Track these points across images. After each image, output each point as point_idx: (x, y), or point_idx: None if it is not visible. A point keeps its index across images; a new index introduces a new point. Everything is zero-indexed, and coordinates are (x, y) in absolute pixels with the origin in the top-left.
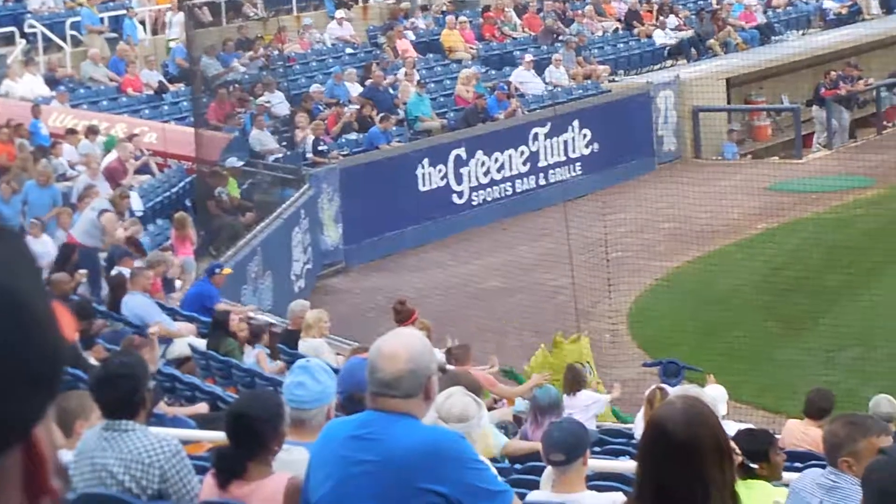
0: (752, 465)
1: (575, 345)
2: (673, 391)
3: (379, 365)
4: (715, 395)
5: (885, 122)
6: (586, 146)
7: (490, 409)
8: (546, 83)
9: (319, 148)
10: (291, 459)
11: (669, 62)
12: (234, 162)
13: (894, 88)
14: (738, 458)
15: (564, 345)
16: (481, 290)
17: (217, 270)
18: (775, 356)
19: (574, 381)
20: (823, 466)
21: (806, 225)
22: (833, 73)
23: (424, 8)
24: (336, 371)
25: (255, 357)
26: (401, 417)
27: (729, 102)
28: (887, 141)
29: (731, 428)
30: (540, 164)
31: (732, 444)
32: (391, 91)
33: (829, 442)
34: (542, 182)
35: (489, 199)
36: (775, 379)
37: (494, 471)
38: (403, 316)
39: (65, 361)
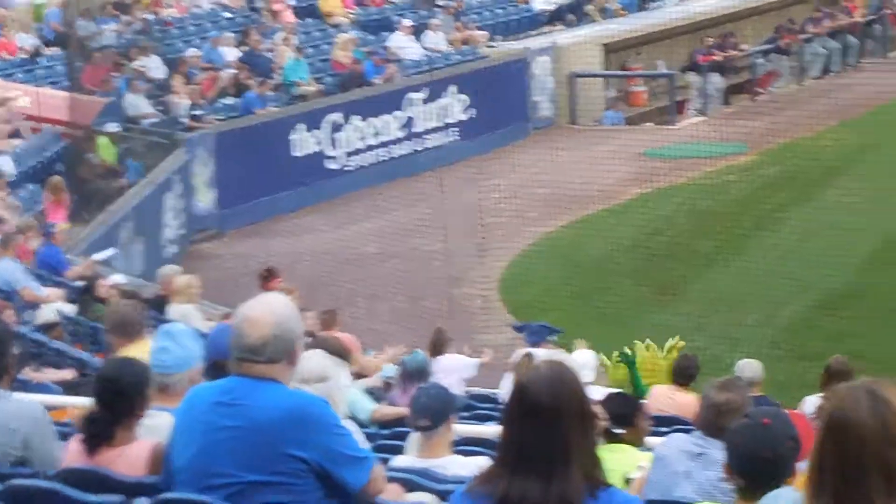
0: (617, 430)
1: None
2: (540, 355)
3: (244, 330)
4: (583, 360)
5: (758, 89)
6: (463, 112)
7: (361, 376)
8: (424, 48)
9: (195, 112)
10: (156, 425)
11: (547, 28)
12: (109, 126)
13: (769, 55)
14: (604, 423)
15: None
16: (355, 256)
17: (52, 229)
18: (646, 321)
19: (436, 344)
20: (687, 432)
21: (679, 191)
22: (709, 39)
23: None
24: (203, 336)
25: None
26: (265, 383)
27: (606, 68)
28: (761, 108)
29: (598, 393)
30: (416, 130)
31: (599, 408)
32: (268, 56)
33: (726, 407)
34: (418, 148)
35: (364, 164)
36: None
37: (361, 436)
38: (268, 281)
39: None
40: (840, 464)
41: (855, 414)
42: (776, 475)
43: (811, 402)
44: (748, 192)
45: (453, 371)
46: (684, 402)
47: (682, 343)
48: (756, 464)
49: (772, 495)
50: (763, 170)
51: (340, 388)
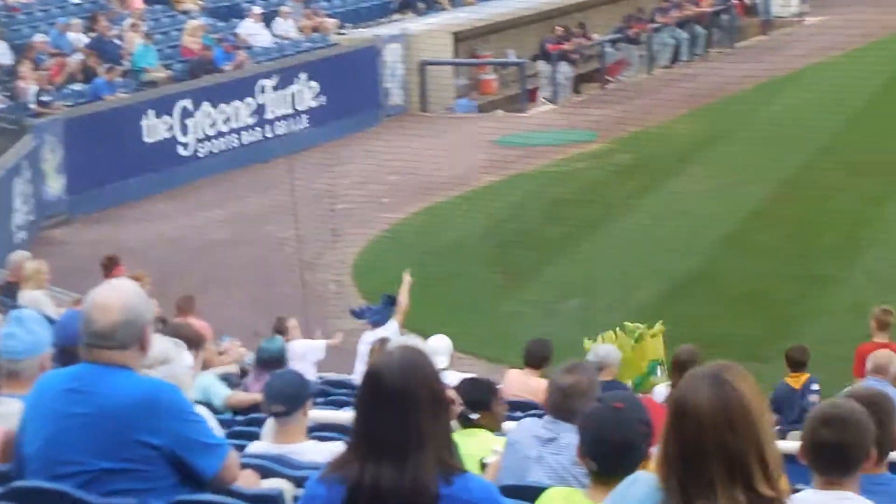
0: (473, 416)
1: (655, 339)
2: (393, 341)
3: (93, 316)
4: (437, 346)
5: (608, 78)
6: (313, 99)
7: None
8: (274, 36)
9: (43, 98)
10: (5, 412)
11: (397, 16)
12: None
13: (618, 44)
14: (459, 408)
15: (647, 339)
16: (208, 242)
17: None
18: (498, 307)
19: (278, 332)
20: (540, 416)
21: (529, 178)
22: (558, 28)
23: None
24: (53, 322)
25: None
26: (115, 369)
27: (457, 57)
28: (610, 96)
29: (453, 378)
30: (267, 117)
31: (454, 393)
32: (117, 42)
33: (572, 390)
34: (268, 134)
35: (215, 150)
36: (498, 330)
37: (215, 423)
38: (110, 269)
39: None
40: (682, 449)
41: (694, 399)
42: (628, 459)
43: (660, 392)
44: (599, 179)
45: (303, 356)
46: (537, 386)
47: (660, 328)
48: (608, 448)
49: (630, 479)
50: (613, 157)
51: (185, 371)
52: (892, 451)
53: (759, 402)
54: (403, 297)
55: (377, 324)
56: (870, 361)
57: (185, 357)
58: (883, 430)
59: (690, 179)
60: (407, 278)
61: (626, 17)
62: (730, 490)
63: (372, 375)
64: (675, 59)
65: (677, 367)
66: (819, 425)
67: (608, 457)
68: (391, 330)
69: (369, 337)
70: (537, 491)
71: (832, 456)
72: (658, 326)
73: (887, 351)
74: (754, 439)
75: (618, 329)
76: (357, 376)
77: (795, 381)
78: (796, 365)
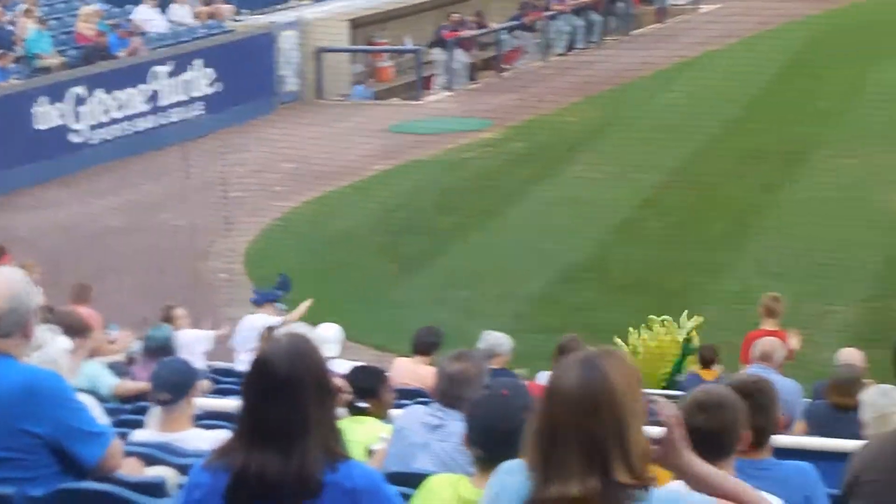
0: (361, 404)
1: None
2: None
3: None
4: (327, 334)
5: (504, 65)
6: (209, 86)
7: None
8: (169, 22)
9: None
10: None
11: (294, 2)
12: None
13: (514, 32)
14: (348, 396)
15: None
16: (101, 230)
17: None
18: (389, 296)
19: (166, 321)
20: (427, 404)
21: (424, 166)
22: (455, 15)
23: None
24: None
25: None
26: None
27: (353, 43)
28: (506, 84)
29: (343, 366)
30: (161, 104)
31: (343, 381)
32: (10, 28)
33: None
34: (163, 121)
35: (109, 137)
36: (388, 318)
37: (99, 411)
38: None
39: None
40: (546, 431)
41: (562, 382)
42: (513, 446)
43: (543, 377)
44: (492, 167)
45: (190, 345)
46: (425, 374)
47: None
48: (493, 434)
49: (504, 466)
50: (508, 145)
51: (61, 354)
52: (773, 435)
53: (631, 389)
54: (295, 315)
55: (258, 304)
56: (756, 349)
57: (60, 341)
58: (766, 416)
59: (584, 167)
60: (307, 304)
61: (522, 5)
62: (586, 475)
63: (259, 363)
64: (570, 46)
65: (559, 354)
66: (695, 411)
67: (494, 444)
68: (271, 319)
69: (248, 323)
70: (423, 477)
71: (706, 441)
72: (694, 321)
73: (773, 338)
74: (617, 426)
75: (666, 322)
76: (242, 364)
77: (708, 374)
78: (706, 363)
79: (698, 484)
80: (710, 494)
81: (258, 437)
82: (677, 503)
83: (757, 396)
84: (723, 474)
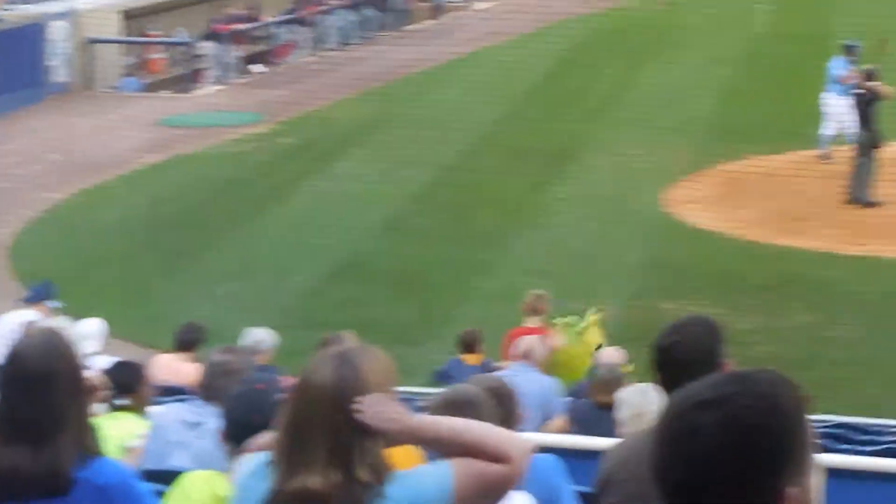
0: (120, 400)
1: (595, 327)
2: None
3: None
4: (89, 329)
5: (276, 60)
6: None
7: None
8: None
9: None
10: None
11: None
12: None
13: (287, 26)
14: (106, 392)
15: (589, 330)
16: None
17: None
18: (155, 291)
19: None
20: (187, 401)
21: (192, 160)
22: (228, 9)
23: None
24: None
25: None
26: None
27: (126, 35)
28: (278, 78)
29: (104, 362)
30: None
31: (101, 378)
32: None
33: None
34: None
35: None
36: (154, 313)
37: None
38: None
39: None
40: (293, 424)
41: (313, 375)
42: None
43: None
44: (263, 161)
45: None
46: (187, 371)
47: (594, 316)
48: (247, 429)
49: (247, 459)
50: (278, 140)
51: None
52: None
53: (384, 387)
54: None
55: (30, 302)
56: (516, 347)
57: None
58: (507, 413)
59: (355, 163)
60: None
61: (297, 0)
62: (329, 469)
63: (12, 357)
64: (344, 42)
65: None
66: (449, 411)
67: (246, 437)
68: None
69: (7, 320)
70: (178, 475)
71: None
72: (592, 315)
73: (533, 336)
74: (356, 422)
75: (558, 323)
76: None
77: (470, 358)
78: (468, 347)
79: (420, 437)
80: (437, 450)
81: (11, 432)
82: (414, 489)
83: (497, 396)
84: (433, 419)
